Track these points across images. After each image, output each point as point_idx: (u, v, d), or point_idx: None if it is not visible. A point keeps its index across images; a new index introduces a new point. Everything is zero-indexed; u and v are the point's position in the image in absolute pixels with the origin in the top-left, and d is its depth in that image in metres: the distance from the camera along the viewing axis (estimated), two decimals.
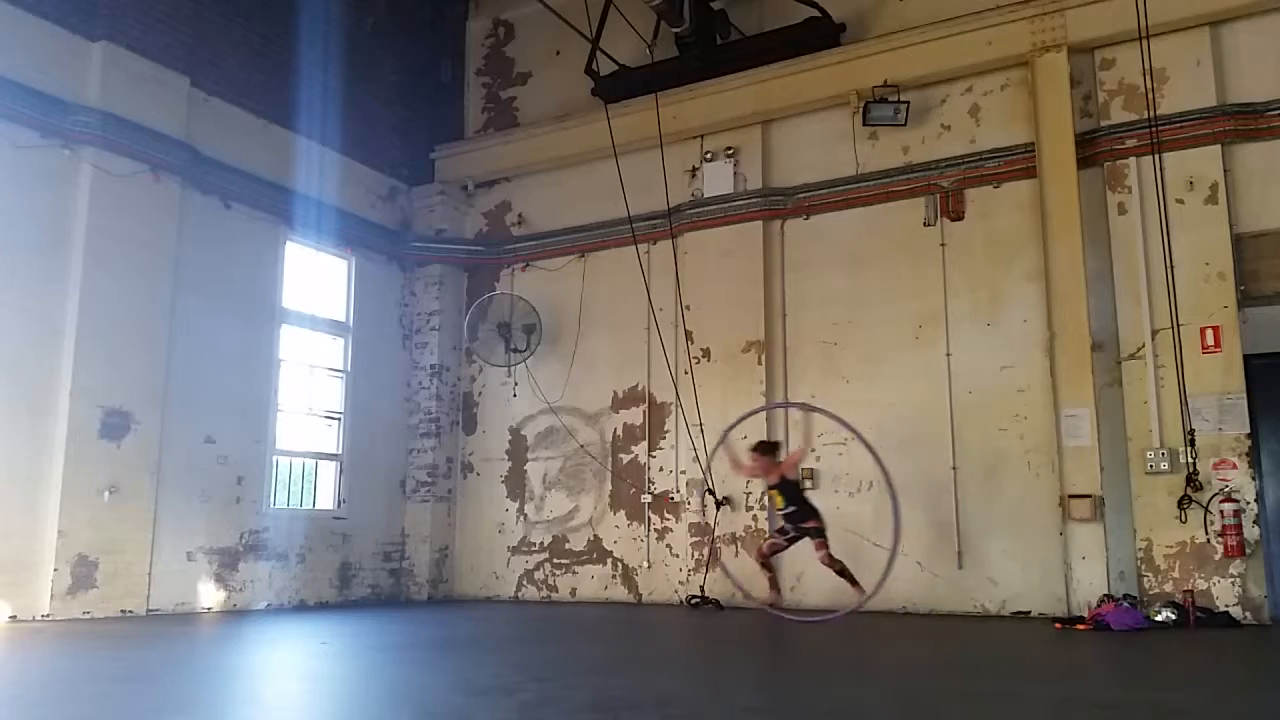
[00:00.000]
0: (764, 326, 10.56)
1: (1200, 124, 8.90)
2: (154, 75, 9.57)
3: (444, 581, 11.98)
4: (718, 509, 10.38)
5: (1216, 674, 5.60)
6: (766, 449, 9.03)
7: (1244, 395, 8.45)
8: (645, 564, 11.00)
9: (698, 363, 10.74)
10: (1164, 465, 8.61)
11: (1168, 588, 8.44)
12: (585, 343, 11.75)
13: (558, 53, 12.38)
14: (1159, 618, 8.04)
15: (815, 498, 10.25)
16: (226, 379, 10.10)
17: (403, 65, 12.91)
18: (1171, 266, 8.68)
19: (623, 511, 11.26)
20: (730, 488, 10.38)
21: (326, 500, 11.32)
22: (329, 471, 11.40)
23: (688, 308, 10.92)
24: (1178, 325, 8.63)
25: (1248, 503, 8.32)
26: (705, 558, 10.42)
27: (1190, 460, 8.46)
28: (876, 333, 10.12)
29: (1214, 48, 9.01)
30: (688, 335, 10.91)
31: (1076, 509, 8.73)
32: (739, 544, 10.28)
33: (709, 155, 11.19)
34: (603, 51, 11.51)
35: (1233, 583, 8.27)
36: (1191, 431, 8.43)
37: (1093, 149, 9.35)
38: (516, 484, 11.98)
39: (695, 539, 10.57)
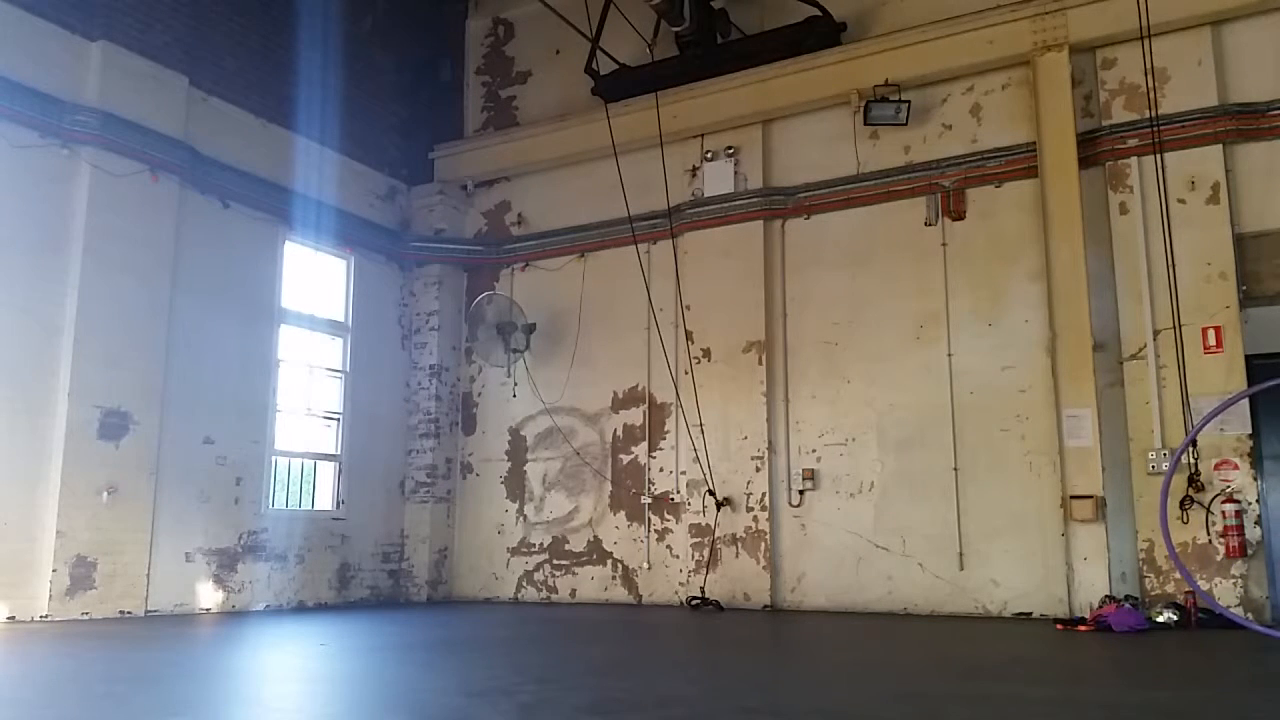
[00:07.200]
0: (765, 326, 10.53)
1: (1202, 124, 8.89)
2: (153, 74, 9.55)
3: (443, 582, 11.95)
4: (718, 510, 10.35)
5: (1218, 675, 5.58)
6: None
7: None
8: (645, 565, 10.97)
9: (698, 363, 10.71)
10: (1166, 466, 8.59)
11: (1169, 589, 8.42)
12: (585, 343, 11.72)
13: (558, 52, 12.36)
14: (1160, 619, 8.01)
15: (815, 498, 10.24)
16: (225, 379, 10.07)
17: (402, 64, 12.89)
18: (1173, 266, 8.67)
19: (623, 512, 11.23)
20: (730, 488, 10.36)
21: (325, 501, 11.29)
22: (328, 472, 11.37)
23: (688, 308, 10.90)
24: (1179, 325, 8.62)
25: (1249, 503, 8.30)
26: (705, 559, 10.39)
27: (1192, 461, 8.44)
28: (877, 333, 10.10)
29: (1215, 47, 9.00)
30: (688, 335, 10.88)
31: (1078, 510, 8.72)
32: (739, 545, 10.26)
33: (709, 155, 11.16)
34: (603, 51, 11.50)
35: (1234, 584, 8.26)
36: None
37: (1094, 148, 9.33)
38: (516, 485, 11.95)
39: (695, 540, 10.54)
